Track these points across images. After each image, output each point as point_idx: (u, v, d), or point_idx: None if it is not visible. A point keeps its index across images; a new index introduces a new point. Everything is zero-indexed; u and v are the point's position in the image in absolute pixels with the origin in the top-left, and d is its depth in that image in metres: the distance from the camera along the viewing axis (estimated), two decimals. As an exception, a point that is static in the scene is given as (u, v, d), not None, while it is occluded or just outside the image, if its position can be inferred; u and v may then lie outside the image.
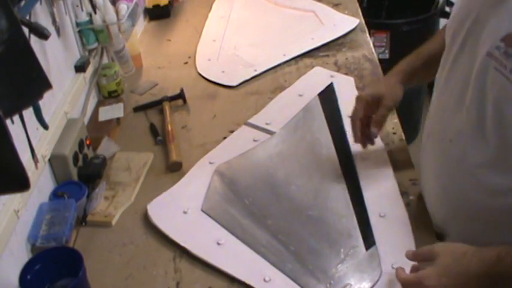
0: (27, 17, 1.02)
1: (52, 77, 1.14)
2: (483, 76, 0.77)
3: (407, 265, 0.90)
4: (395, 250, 0.94)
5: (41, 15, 1.15)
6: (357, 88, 1.41)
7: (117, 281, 0.97)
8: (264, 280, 0.91)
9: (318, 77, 1.49)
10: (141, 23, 1.91)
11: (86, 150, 1.21)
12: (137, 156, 1.25)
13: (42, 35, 1.01)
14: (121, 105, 1.43)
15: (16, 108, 0.81)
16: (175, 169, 1.21)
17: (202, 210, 1.07)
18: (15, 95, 0.78)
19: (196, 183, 1.14)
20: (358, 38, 1.67)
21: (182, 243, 1.00)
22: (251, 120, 1.34)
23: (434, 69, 0.97)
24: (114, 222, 1.09)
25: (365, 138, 1.11)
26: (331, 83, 1.43)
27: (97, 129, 1.34)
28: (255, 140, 1.26)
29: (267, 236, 1.00)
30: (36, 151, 0.96)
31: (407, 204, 1.03)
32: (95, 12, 1.37)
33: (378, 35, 2.34)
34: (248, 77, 1.53)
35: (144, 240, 1.04)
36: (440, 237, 0.96)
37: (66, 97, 1.25)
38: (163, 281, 0.95)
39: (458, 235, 0.92)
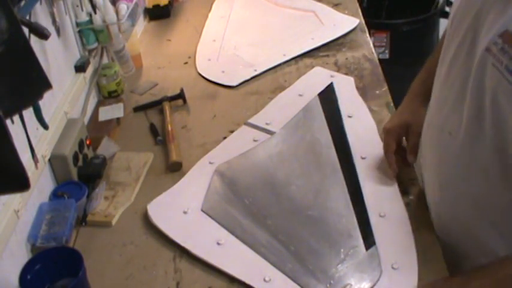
0: (27, 17, 1.02)
1: (52, 77, 1.14)
2: (482, 71, 0.78)
3: (407, 265, 0.91)
4: (395, 250, 0.94)
5: (41, 15, 1.15)
6: (357, 88, 1.41)
7: (117, 281, 0.97)
8: (264, 280, 0.91)
9: (318, 77, 1.49)
10: (141, 23, 1.91)
11: (86, 150, 1.21)
12: (137, 156, 1.25)
13: (42, 35, 1.01)
14: (121, 105, 1.43)
15: (16, 108, 0.81)
16: (175, 169, 1.21)
17: (202, 210, 1.07)
18: (15, 95, 0.77)
19: (196, 183, 1.14)
20: (358, 38, 1.67)
21: (182, 243, 1.00)
22: (251, 120, 1.34)
23: None
24: (114, 222, 1.09)
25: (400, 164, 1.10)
26: (331, 83, 1.43)
27: (97, 129, 1.34)
28: (255, 140, 1.26)
29: (267, 236, 1.00)
30: (36, 151, 0.96)
31: (407, 204, 1.03)
32: (95, 12, 1.37)
33: (377, 35, 2.34)
34: (248, 77, 1.53)
35: (144, 240, 1.04)
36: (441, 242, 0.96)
37: (66, 97, 1.25)
38: (163, 281, 0.95)
39: (456, 227, 0.92)
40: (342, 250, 0.96)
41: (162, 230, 1.04)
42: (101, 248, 1.04)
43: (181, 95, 1.44)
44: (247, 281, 0.92)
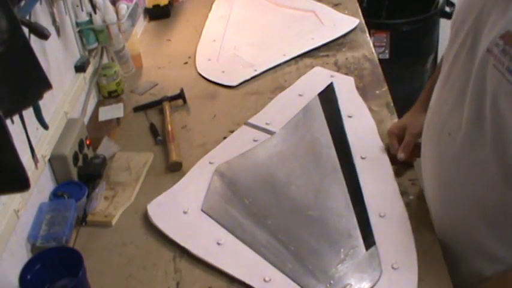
0: (27, 17, 1.02)
1: (52, 77, 1.14)
2: (483, 72, 0.78)
3: (407, 265, 0.91)
4: (395, 250, 0.94)
5: (41, 15, 1.15)
6: (357, 88, 1.41)
7: (117, 281, 0.97)
8: (264, 280, 0.91)
9: (318, 77, 1.49)
10: (141, 23, 1.91)
11: (86, 150, 1.21)
12: (137, 156, 1.25)
13: (42, 35, 1.01)
14: (121, 105, 1.43)
15: (16, 108, 0.81)
16: (175, 169, 1.21)
17: (202, 210, 1.07)
18: (15, 95, 0.77)
19: (196, 183, 1.14)
20: (358, 38, 1.67)
21: (182, 243, 1.00)
22: (251, 120, 1.34)
23: None
24: (114, 222, 1.09)
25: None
26: (331, 83, 1.43)
27: (97, 129, 1.34)
28: (255, 140, 1.26)
29: (267, 236, 1.00)
30: (36, 151, 0.96)
31: (407, 204, 1.03)
32: (95, 12, 1.37)
33: (377, 35, 2.35)
34: (248, 77, 1.53)
35: (144, 240, 1.04)
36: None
37: (66, 97, 1.25)
38: (163, 281, 0.95)
39: (456, 227, 0.92)
40: (342, 250, 0.96)
41: (162, 230, 1.04)
42: (101, 248, 1.04)
43: (181, 95, 1.44)
44: (247, 281, 0.92)
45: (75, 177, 1.15)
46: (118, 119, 1.39)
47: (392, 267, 0.91)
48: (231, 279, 0.93)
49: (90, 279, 0.92)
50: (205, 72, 1.59)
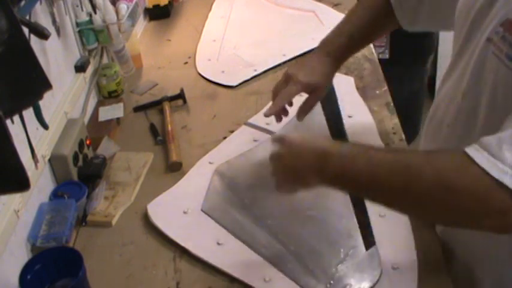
0: (27, 17, 1.02)
1: (52, 77, 1.14)
2: (482, 61, 0.78)
3: (407, 265, 0.91)
4: (395, 250, 0.94)
5: (41, 15, 1.15)
6: (357, 88, 1.41)
7: (117, 281, 0.97)
8: (264, 280, 0.91)
9: (318, 77, 1.48)
10: (141, 23, 1.91)
11: (86, 150, 1.21)
12: (137, 156, 1.25)
13: (42, 35, 1.01)
14: (121, 105, 1.43)
15: (16, 108, 0.81)
16: (175, 169, 1.21)
17: (202, 210, 1.07)
18: (15, 95, 0.77)
19: (196, 183, 1.14)
20: (358, 38, 1.67)
21: (182, 243, 1.00)
22: (251, 120, 1.34)
23: (360, 41, 1.15)
24: (114, 222, 1.09)
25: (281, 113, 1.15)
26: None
27: (97, 129, 1.34)
28: (255, 140, 1.26)
29: (267, 236, 1.00)
30: (36, 151, 0.96)
31: (407, 204, 1.03)
32: (95, 12, 1.37)
33: (377, 35, 2.34)
34: (248, 77, 1.53)
35: (144, 240, 1.04)
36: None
37: (66, 97, 1.25)
38: (163, 281, 0.95)
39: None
40: (342, 250, 0.96)
41: (162, 230, 1.04)
42: (101, 248, 1.04)
43: (181, 95, 1.44)
44: (247, 281, 0.92)
45: (75, 177, 1.15)
46: (118, 119, 1.39)
47: (392, 267, 0.91)
48: (231, 279, 0.93)
49: (90, 279, 0.92)
50: (205, 72, 1.59)
